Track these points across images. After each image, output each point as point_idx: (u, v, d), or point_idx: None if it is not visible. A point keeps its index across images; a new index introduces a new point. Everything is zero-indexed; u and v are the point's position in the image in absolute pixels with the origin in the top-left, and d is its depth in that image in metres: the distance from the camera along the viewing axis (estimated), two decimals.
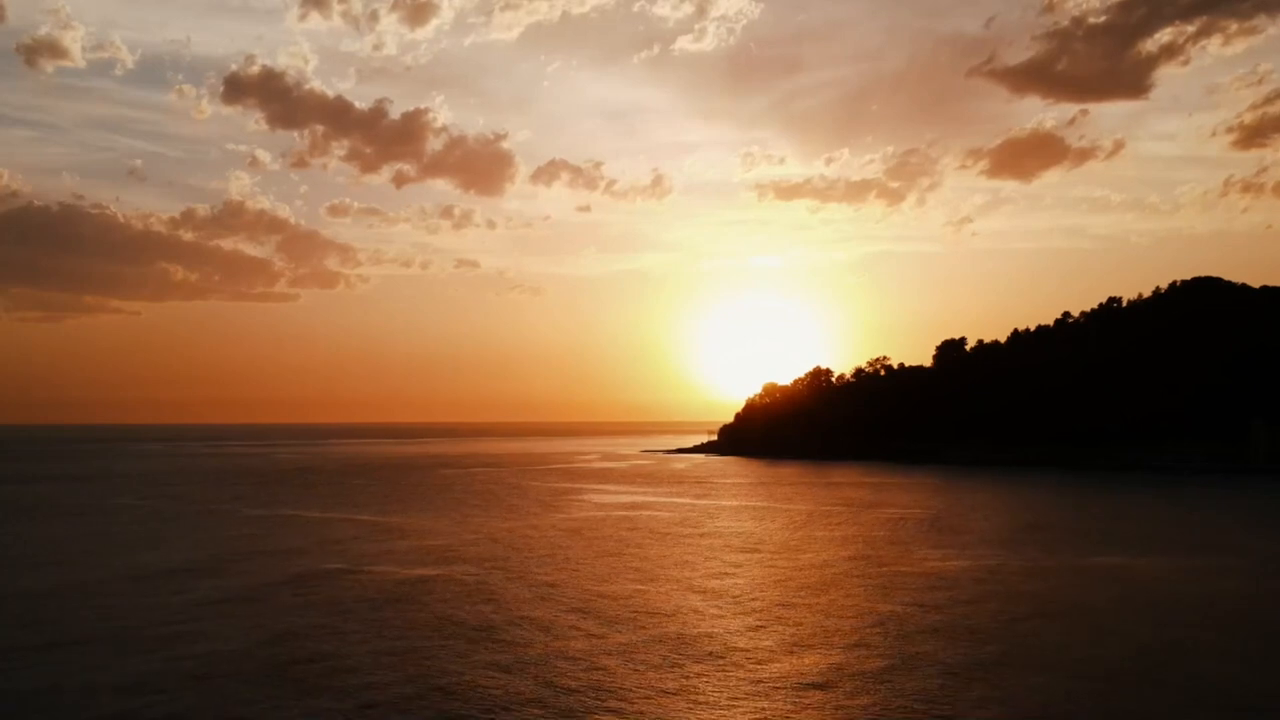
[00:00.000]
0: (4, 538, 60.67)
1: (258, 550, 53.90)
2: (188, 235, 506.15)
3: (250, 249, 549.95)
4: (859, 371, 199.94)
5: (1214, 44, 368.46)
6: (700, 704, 24.62)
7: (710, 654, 29.77)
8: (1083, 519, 71.36)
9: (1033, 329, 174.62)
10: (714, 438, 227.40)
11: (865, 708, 24.11)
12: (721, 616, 35.54)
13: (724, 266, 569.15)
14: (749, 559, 50.62)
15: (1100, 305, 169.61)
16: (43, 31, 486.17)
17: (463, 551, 53.39)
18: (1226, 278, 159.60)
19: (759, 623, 34.43)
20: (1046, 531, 62.55)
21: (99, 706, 24.48)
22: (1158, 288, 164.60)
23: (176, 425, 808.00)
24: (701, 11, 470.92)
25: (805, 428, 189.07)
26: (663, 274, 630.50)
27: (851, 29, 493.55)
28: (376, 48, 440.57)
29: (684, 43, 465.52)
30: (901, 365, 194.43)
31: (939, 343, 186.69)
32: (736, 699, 25.03)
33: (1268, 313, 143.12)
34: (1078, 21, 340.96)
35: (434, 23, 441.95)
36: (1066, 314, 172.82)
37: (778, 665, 28.40)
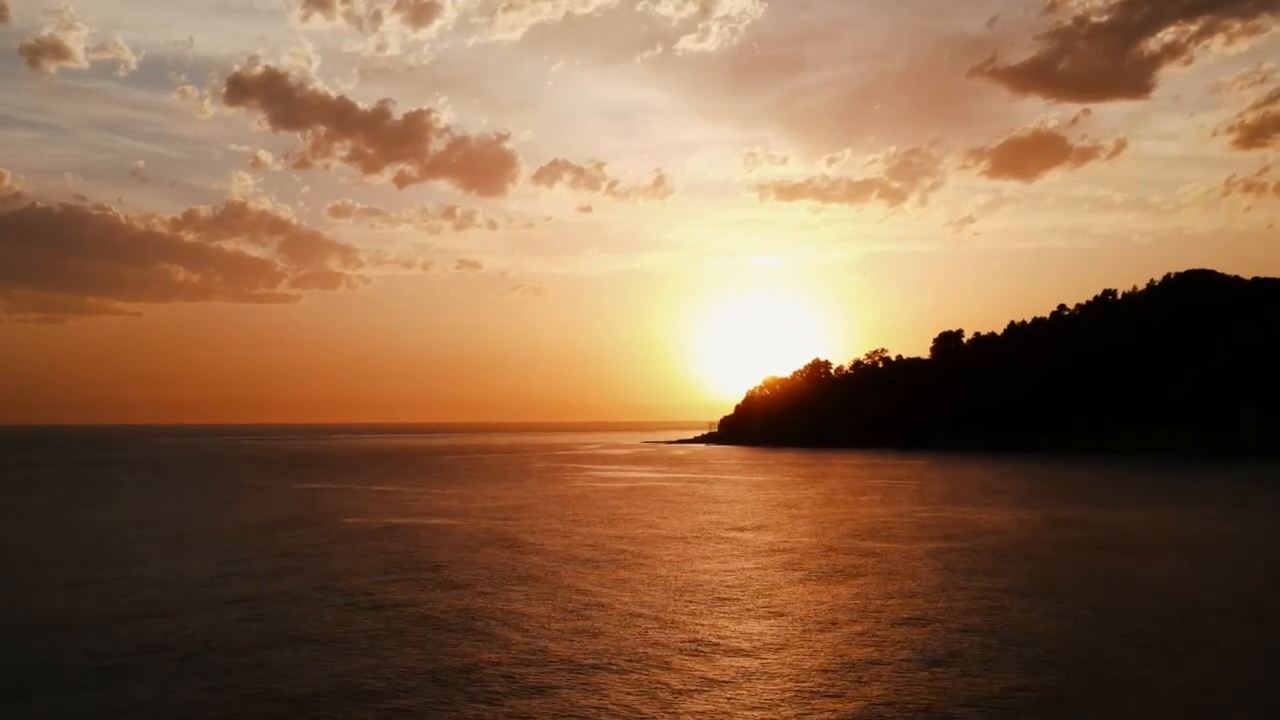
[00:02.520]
0: (112, 502, 64.88)
1: (329, 511, 57.53)
2: (190, 236, 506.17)
3: (252, 250, 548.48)
4: (858, 364, 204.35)
5: (1217, 43, 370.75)
6: (789, 617, 28.95)
7: (780, 579, 34.24)
8: (1096, 485, 76.31)
9: (1029, 321, 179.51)
10: (714, 429, 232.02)
11: (938, 609, 28.44)
12: (779, 551, 39.76)
13: (725, 266, 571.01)
14: (783, 515, 54.55)
15: (1095, 297, 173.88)
16: (45, 32, 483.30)
17: (526, 508, 57.28)
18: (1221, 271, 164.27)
19: (812, 554, 38.72)
20: (1068, 495, 67.10)
21: (340, 590, 30.36)
22: (1152, 280, 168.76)
23: (178, 425, 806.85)
24: (705, 11, 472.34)
25: (804, 419, 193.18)
26: (664, 274, 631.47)
27: (854, 29, 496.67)
28: (379, 48, 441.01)
29: (687, 42, 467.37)
30: (899, 357, 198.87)
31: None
32: (822, 615, 29.44)
33: (1259, 303, 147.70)
34: (1080, 21, 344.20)
35: (437, 23, 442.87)
36: (1062, 306, 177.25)
37: (842, 588, 32.80)
